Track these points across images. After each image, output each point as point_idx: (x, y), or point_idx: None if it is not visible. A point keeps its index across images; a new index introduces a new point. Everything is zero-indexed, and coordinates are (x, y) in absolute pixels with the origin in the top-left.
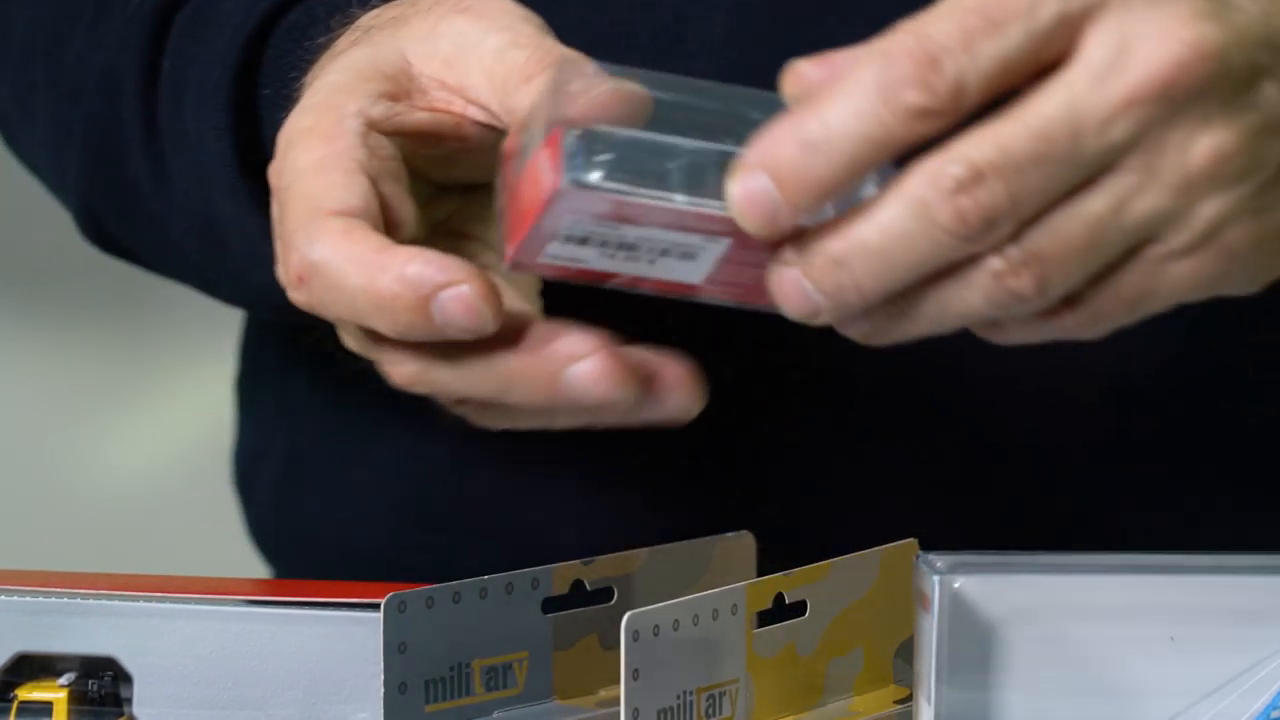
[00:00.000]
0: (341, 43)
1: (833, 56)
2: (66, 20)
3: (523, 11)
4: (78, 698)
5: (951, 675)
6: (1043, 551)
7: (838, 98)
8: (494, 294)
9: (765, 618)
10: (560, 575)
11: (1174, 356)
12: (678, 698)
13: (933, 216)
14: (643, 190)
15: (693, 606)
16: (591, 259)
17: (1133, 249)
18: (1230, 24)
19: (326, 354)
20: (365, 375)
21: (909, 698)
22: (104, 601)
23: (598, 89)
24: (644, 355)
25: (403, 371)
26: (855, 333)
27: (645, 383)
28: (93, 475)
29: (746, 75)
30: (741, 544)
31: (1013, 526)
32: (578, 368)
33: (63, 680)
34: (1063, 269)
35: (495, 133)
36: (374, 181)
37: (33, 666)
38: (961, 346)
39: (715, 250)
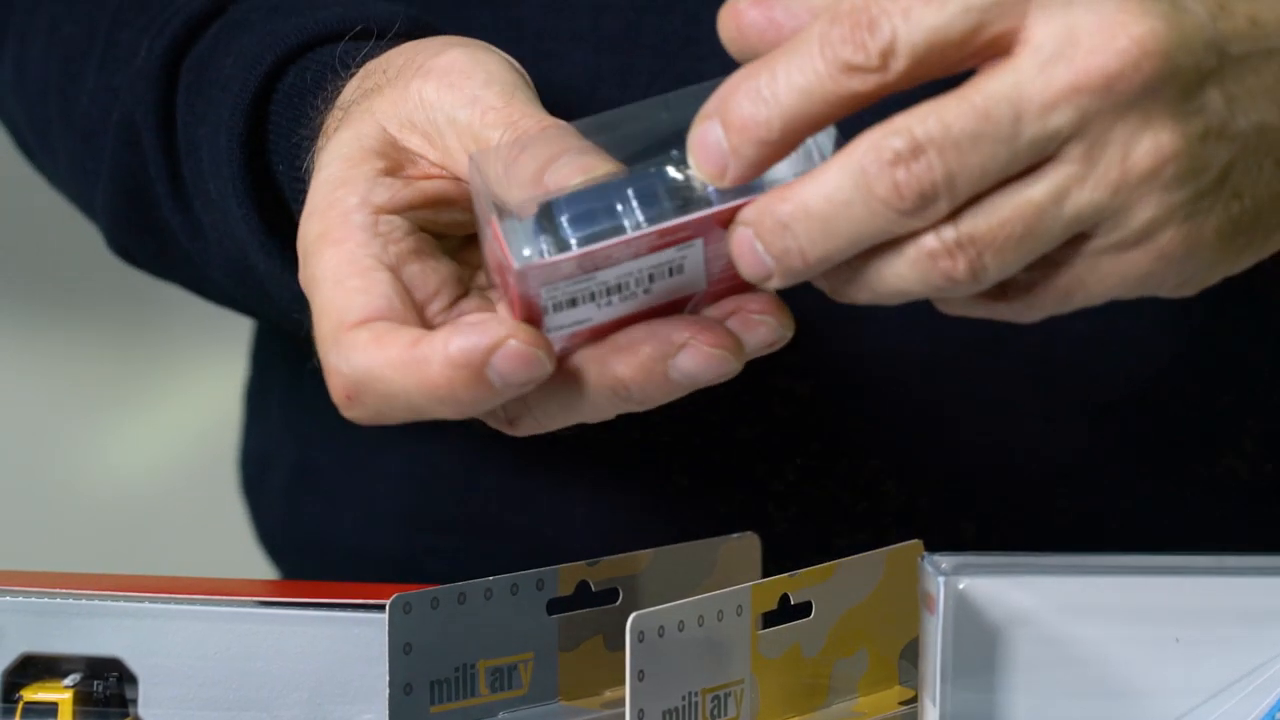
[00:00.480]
0: (329, 123)
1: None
2: (78, 57)
3: (484, 71)
4: (83, 698)
5: (956, 676)
6: (1047, 553)
7: (787, 51)
8: (540, 337)
9: (770, 619)
10: (565, 576)
11: (1174, 359)
12: (683, 698)
13: (871, 187)
14: (594, 235)
15: (698, 607)
16: (592, 315)
17: (1069, 241)
18: (1178, 24)
19: None
20: None
21: (914, 699)
22: (109, 602)
23: (528, 170)
24: (724, 308)
25: (523, 425)
26: (821, 284)
27: (739, 334)
28: (97, 475)
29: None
30: (746, 545)
31: (1017, 527)
32: (681, 360)
33: (68, 681)
34: (998, 255)
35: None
36: (394, 270)
37: (38, 667)
38: (965, 348)
39: (694, 254)
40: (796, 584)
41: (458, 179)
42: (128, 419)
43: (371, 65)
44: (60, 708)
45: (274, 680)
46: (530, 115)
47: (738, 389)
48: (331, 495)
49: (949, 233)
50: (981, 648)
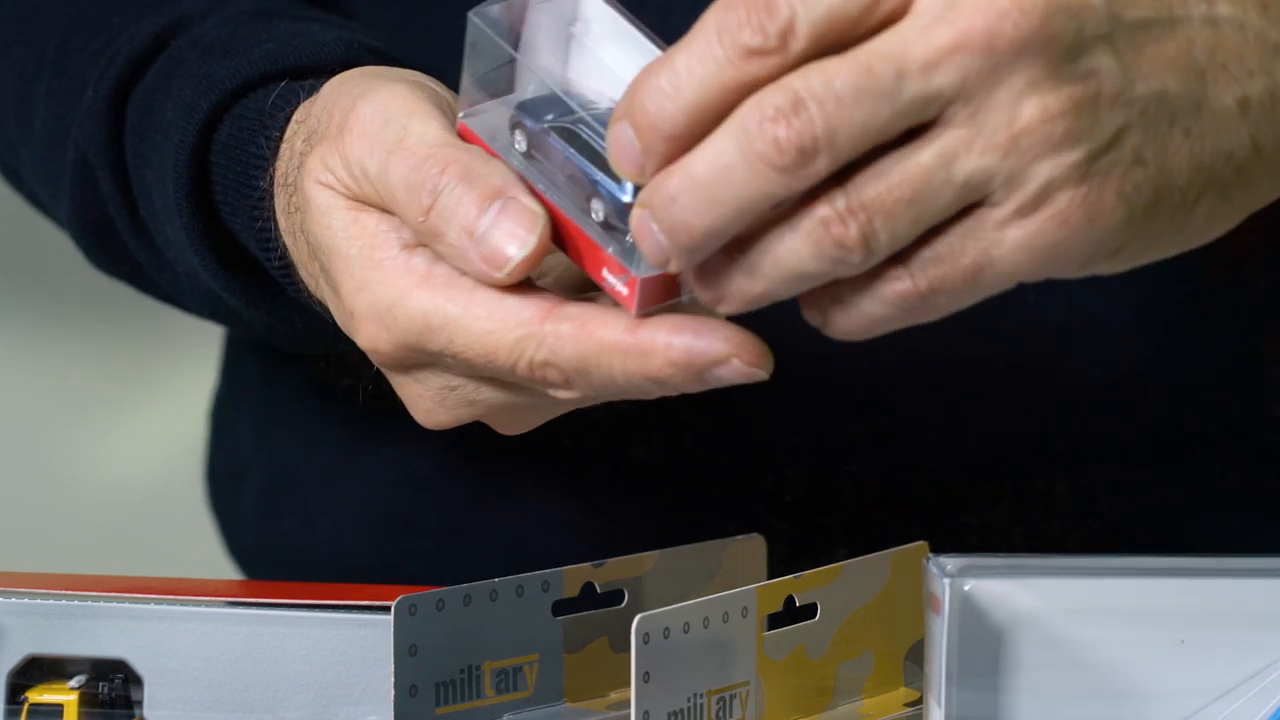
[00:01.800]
0: (281, 197)
1: None
2: (29, 79)
3: (387, 115)
4: (88, 700)
5: (962, 678)
6: (1052, 554)
7: (685, 43)
8: (763, 351)
9: (776, 620)
10: (571, 578)
11: (1176, 353)
12: (688, 700)
13: (752, 145)
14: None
15: (703, 609)
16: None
17: (965, 211)
18: None
19: (316, 373)
20: (349, 391)
21: (919, 700)
22: (115, 604)
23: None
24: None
25: (569, 397)
26: (704, 296)
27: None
28: (93, 478)
29: None
30: (752, 547)
31: (1023, 528)
32: (722, 372)
33: (73, 683)
34: (888, 220)
35: None
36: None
37: (44, 669)
38: (968, 349)
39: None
40: (802, 585)
41: None
42: (120, 421)
43: (294, 126)
44: (65, 709)
45: (279, 682)
46: (431, 158)
47: (738, 391)
48: (308, 504)
49: (839, 200)
50: (987, 649)
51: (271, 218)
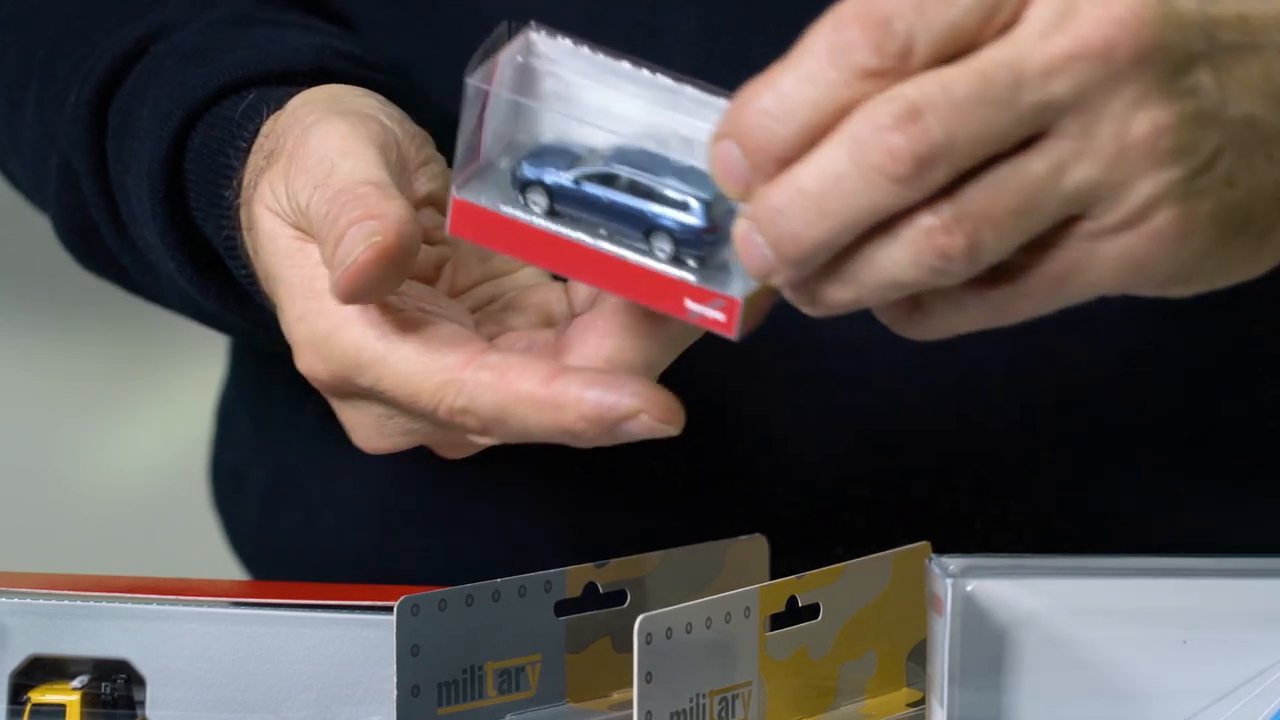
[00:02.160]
0: (244, 214)
1: None
2: (18, 86)
3: (331, 150)
4: (91, 700)
5: (964, 678)
6: (1055, 554)
7: (791, 65)
8: (672, 408)
9: (778, 620)
10: (573, 578)
11: (1169, 349)
12: (690, 700)
13: (867, 155)
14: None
15: (706, 609)
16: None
17: (1063, 224)
18: (1167, 3)
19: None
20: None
21: (922, 701)
22: (117, 604)
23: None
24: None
25: (486, 442)
26: (799, 301)
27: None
28: (94, 477)
29: (722, 64)
30: (754, 547)
31: (1024, 528)
32: (631, 426)
33: (76, 683)
34: (996, 230)
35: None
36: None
37: (46, 669)
38: (968, 350)
39: None
40: (804, 586)
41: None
42: (124, 421)
43: (260, 140)
44: (68, 709)
45: (282, 682)
46: (345, 192)
47: (737, 389)
48: (307, 500)
49: (945, 209)
50: (989, 650)
51: (237, 228)
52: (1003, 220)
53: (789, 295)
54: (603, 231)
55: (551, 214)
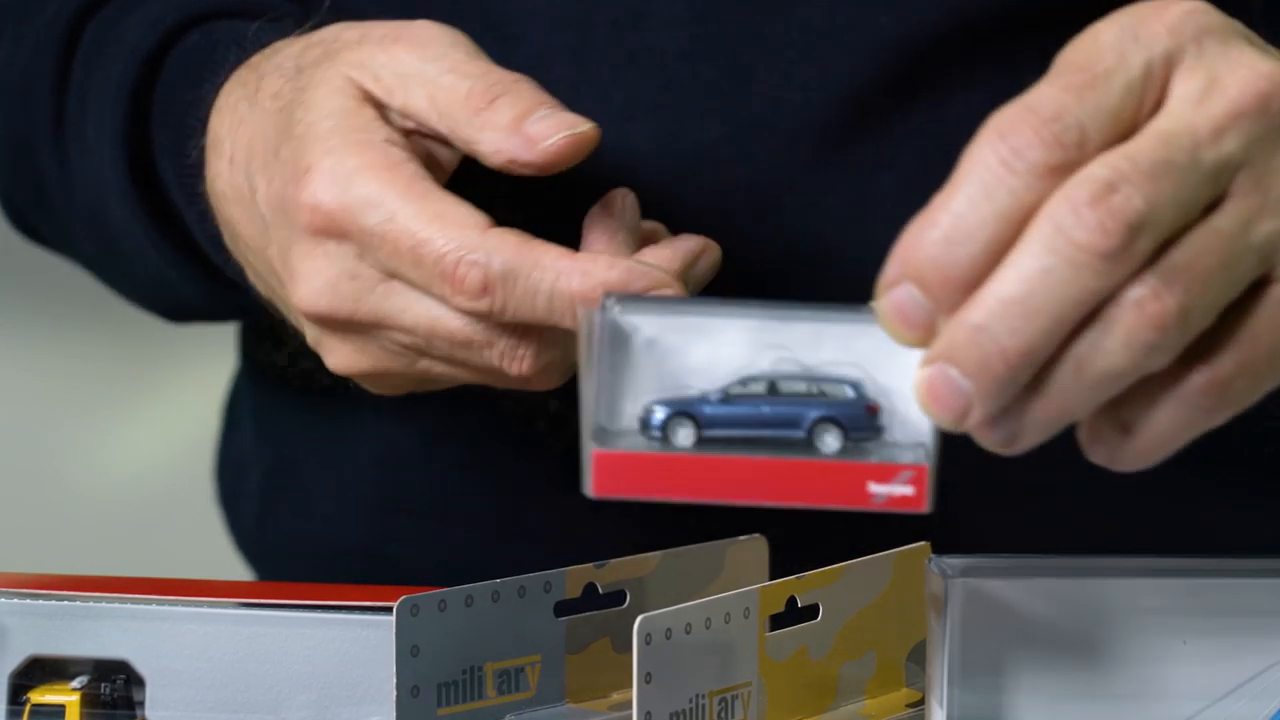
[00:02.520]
0: (272, 82)
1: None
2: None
3: (451, 37)
4: (90, 701)
5: (963, 678)
6: (1054, 555)
7: (961, 185)
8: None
9: (778, 621)
10: (573, 578)
11: None
12: (690, 701)
13: (1074, 239)
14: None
15: (705, 610)
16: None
17: (1258, 286)
18: None
19: (290, 366)
20: (321, 376)
21: (921, 701)
22: (116, 605)
23: None
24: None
25: (544, 359)
26: (995, 438)
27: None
28: (93, 477)
29: (709, 50)
30: (754, 547)
31: (1024, 528)
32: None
33: (75, 683)
34: (1202, 287)
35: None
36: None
37: (45, 670)
38: None
39: None
40: (804, 586)
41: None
42: (122, 420)
43: (316, 36)
44: (67, 710)
45: (281, 682)
46: (499, 70)
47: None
48: (305, 490)
49: (1150, 278)
50: (989, 650)
51: (200, 133)
52: (1206, 276)
53: (984, 437)
54: (761, 440)
55: (701, 443)
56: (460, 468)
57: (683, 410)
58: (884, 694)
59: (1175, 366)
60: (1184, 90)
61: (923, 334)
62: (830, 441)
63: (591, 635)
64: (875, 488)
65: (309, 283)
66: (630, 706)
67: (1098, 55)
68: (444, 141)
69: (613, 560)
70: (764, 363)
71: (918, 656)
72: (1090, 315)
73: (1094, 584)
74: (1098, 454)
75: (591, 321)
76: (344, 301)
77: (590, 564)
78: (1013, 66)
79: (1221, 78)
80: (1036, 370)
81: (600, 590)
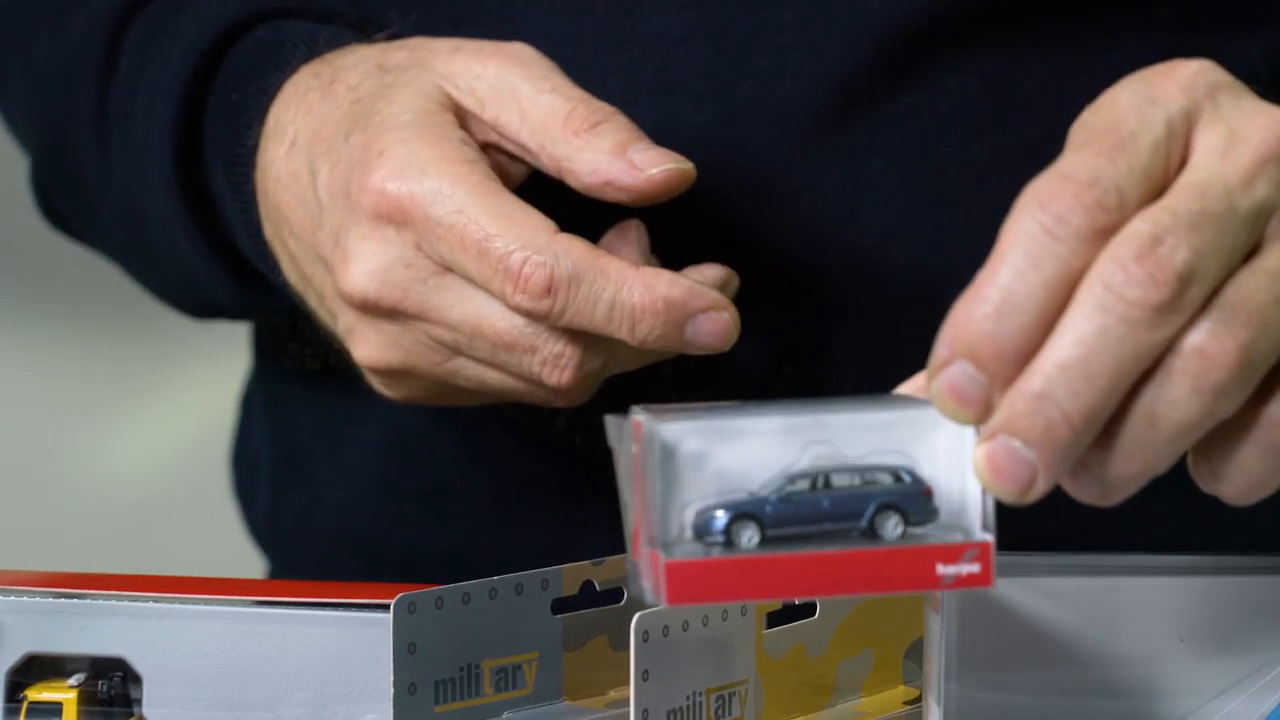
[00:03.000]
0: (351, 76)
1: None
2: (36, 21)
3: (548, 60)
4: (87, 698)
5: (961, 676)
6: (1052, 553)
7: (1004, 257)
8: (736, 329)
9: (775, 618)
10: (570, 576)
11: None
12: (687, 698)
13: (1125, 295)
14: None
15: (703, 607)
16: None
17: None
18: None
19: (300, 358)
20: (333, 369)
21: (918, 699)
22: (114, 602)
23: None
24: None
25: (585, 370)
26: (1087, 493)
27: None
28: (95, 476)
29: (705, 35)
30: None
31: (1020, 526)
32: (703, 321)
33: (72, 681)
34: (1262, 326)
35: (528, 166)
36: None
37: (42, 667)
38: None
39: None
40: None
41: (508, 153)
42: (125, 420)
43: (399, 41)
44: (65, 707)
45: (278, 680)
46: (597, 100)
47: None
48: (314, 479)
49: (1205, 323)
50: (985, 648)
51: (265, 107)
52: (1262, 313)
53: (1079, 493)
54: (822, 535)
55: (765, 543)
56: (465, 455)
57: (744, 513)
58: (881, 691)
59: (1248, 409)
60: (1207, 144)
61: (980, 411)
62: (893, 528)
63: (589, 633)
64: (944, 569)
65: (362, 265)
66: (627, 704)
67: (1119, 119)
68: (520, 160)
69: (610, 558)
70: (805, 460)
71: (915, 654)
72: (1150, 370)
73: (1091, 581)
74: (1201, 480)
75: (651, 433)
76: (393, 289)
77: (587, 561)
78: (1003, 51)
79: (1240, 129)
80: (1098, 430)
81: (598, 587)
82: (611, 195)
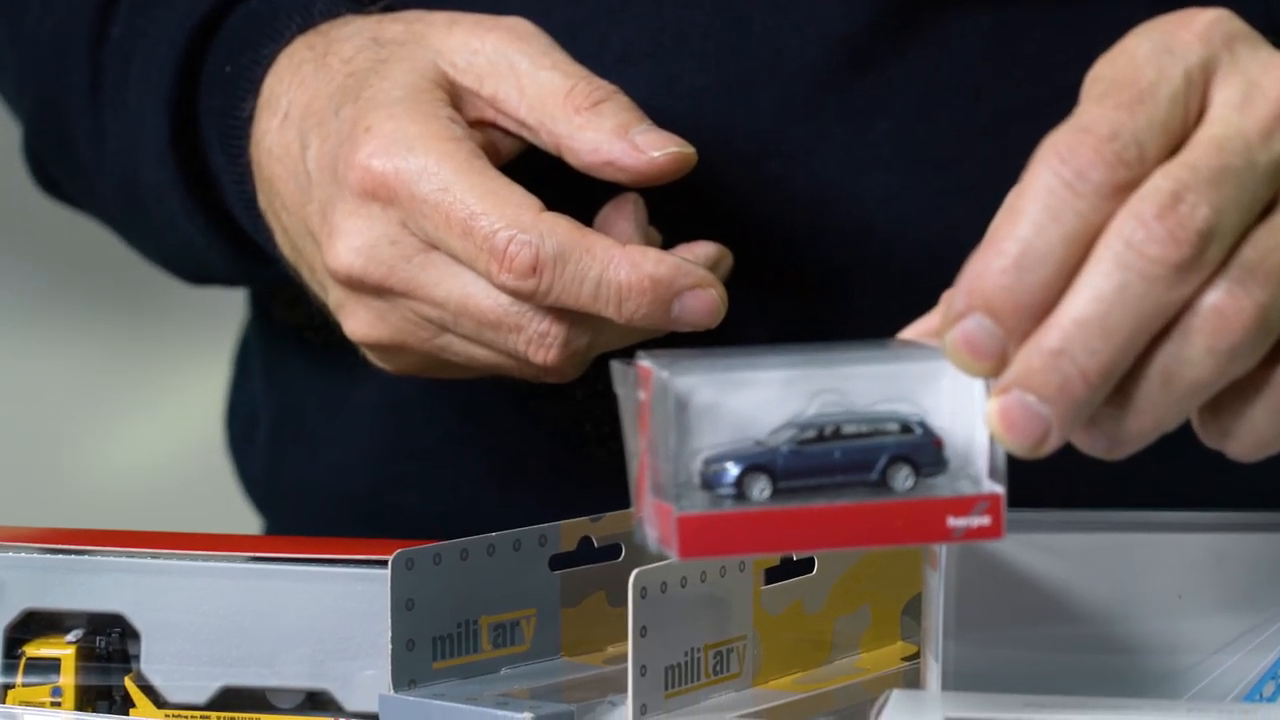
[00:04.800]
0: (345, 48)
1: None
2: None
3: (546, 36)
4: (85, 654)
5: (959, 632)
6: (1050, 509)
7: (1023, 211)
8: (723, 305)
9: (773, 575)
10: (568, 532)
11: None
12: (685, 654)
13: (1146, 253)
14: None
15: (700, 563)
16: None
17: None
18: None
19: (300, 320)
20: (329, 341)
21: (916, 655)
22: (111, 558)
23: None
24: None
25: (570, 349)
26: (1095, 447)
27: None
28: (95, 472)
29: (701, 19)
30: None
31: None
32: (690, 300)
33: (70, 637)
34: (1278, 284)
35: (521, 141)
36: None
37: (41, 623)
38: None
39: None
40: None
41: (503, 129)
42: (123, 414)
43: (394, 14)
44: (63, 663)
45: (276, 636)
46: (598, 77)
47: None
48: (314, 438)
49: (1222, 282)
50: (984, 604)
51: (260, 72)
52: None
53: (1091, 446)
54: (833, 487)
55: (776, 495)
56: (463, 414)
57: (756, 464)
58: (879, 648)
59: (1261, 369)
60: (1226, 96)
61: (995, 364)
62: (904, 480)
63: (587, 589)
64: (954, 521)
65: (347, 241)
66: (625, 660)
67: (1136, 71)
68: (514, 136)
69: (608, 514)
70: (812, 408)
71: (913, 610)
72: (1166, 328)
73: (1089, 538)
74: (1205, 435)
75: (662, 382)
76: (379, 265)
77: (585, 518)
78: (1007, 11)
79: (1259, 81)
80: (1112, 386)
81: (595, 544)
82: (611, 175)
